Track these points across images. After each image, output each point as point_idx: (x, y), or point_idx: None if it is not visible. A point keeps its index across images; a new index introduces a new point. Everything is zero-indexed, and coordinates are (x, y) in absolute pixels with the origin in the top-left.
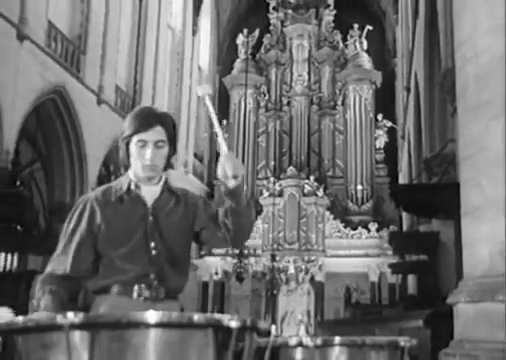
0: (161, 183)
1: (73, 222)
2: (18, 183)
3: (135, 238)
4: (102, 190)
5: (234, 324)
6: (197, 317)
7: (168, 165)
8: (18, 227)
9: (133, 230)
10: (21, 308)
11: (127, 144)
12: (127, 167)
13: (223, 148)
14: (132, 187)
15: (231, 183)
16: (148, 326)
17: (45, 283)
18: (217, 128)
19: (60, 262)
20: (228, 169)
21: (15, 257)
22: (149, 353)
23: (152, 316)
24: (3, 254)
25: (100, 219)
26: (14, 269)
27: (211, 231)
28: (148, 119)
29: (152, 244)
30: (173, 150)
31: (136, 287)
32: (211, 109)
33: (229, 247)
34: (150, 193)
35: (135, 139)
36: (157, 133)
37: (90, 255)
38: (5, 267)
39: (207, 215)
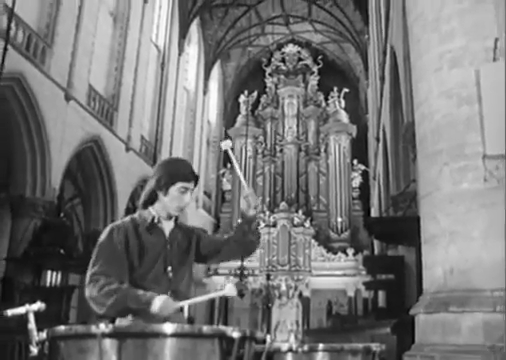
0: (173, 219)
1: (112, 246)
2: (62, 214)
3: (158, 264)
4: (129, 221)
5: (236, 334)
6: (206, 328)
7: None
8: (61, 250)
9: (157, 257)
10: (63, 316)
11: (168, 186)
12: (151, 203)
13: (245, 186)
14: (156, 221)
15: (252, 212)
16: (165, 336)
17: (107, 291)
18: (239, 172)
19: (111, 276)
20: (252, 201)
21: (59, 275)
22: (166, 358)
23: (169, 328)
24: (49, 272)
25: (131, 245)
26: (58, 284)
27: (218, 247)
28: (193, 172)
29: (169, 268)
30: None
31: None
32: (233, 158)
33: (237, 257)
34: (168, 227)
35: (179, 185)
36: (193, 184)
37: (127, 273)
38: (51, 283)
39: (209, 239)
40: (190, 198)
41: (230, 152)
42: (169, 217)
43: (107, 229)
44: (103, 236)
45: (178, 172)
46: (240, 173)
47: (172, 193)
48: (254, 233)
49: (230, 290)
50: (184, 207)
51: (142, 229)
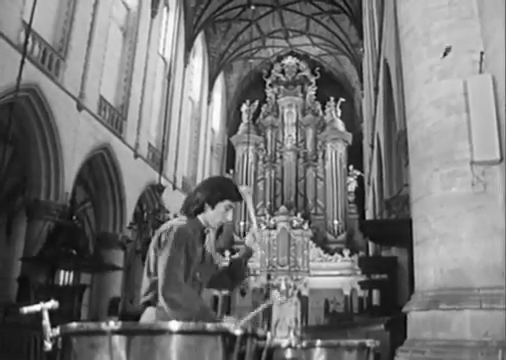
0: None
1: (187, 253)
2: (74, 217)
3: (196, 270)
4: (192, 229)
5: (238, 332)
6: (209, 326)
7: None
8: (73, 251)
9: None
10: (75, 313)
11: (216, 201)
12: (199, 212)
13: (254, 223)
14: (205, 232)
15: (254, 247)
16: (171, 333)
17: (200, 305)
18: (252, 212)
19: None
20: (257, 237)
21: (71, 274)
22: (172, 354)
23: (175, 325)
24: (62, 272)
25: (197, 251)
26: (71, 283)
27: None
28: (240, 194)
29: (198, 274)
30: None
31: None
32: (249, 202)
33: (225, 290)
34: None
35: (227, 203)
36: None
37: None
38: (64, 281)
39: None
40: (231, 217)
41: (248, 198)
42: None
43: (188, 230)
44: (184, 236)
45: (229, 190)
46: (252, 212)
47: (219, 208)
48: (245, 268)
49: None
50: (223, 224)
51: (197, 238)
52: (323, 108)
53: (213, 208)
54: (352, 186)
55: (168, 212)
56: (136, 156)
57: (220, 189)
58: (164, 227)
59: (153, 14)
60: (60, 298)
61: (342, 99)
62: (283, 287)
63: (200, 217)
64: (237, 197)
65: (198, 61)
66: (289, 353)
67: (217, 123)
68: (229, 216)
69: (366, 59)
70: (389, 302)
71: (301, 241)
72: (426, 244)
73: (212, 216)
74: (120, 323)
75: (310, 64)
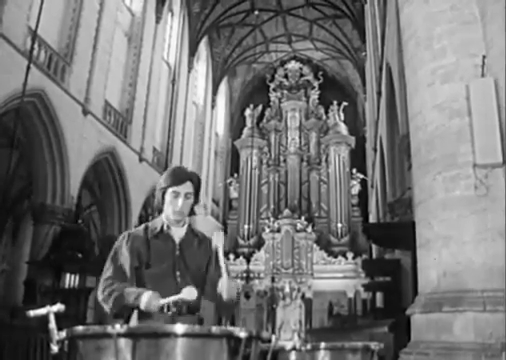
0: (186, 226)
1: (120, 253)
2: (80, 221)
3: (165, 267)
4: (142, 229)
5: (243, 334)
6: (214, 329)
7: (192, 212)
8: (79, 254)
9: (163, 261)
10: (81, 316)
11: (163, 193)
12: (161, 211)
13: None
14: (164, 228)
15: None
16: (177, 336)
17: (109, 291)
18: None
19: (115, 280)
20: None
21: (77, 277)
22: (178, 357)
23: (180, 328)
24: (68, 275)
25: (140, 250)
26: (76, 286)
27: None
28: (181, 176)
29: (177, 273)
30: (197, 200)
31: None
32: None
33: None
34: (178, 233)
35: (170, 190)
36: (187, 187)
37: (134, 277)
38: (70, 285)
39: (211, 270)
40: (181, 203)
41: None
42: (178, 223)
43: (120, 236)
44: (116, 243)
45: (168, 179)
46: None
47: (167, 199)
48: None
49: (189, 294)
50: (180, 211)
51: (151, 235)
52: (326, 112)
53: (163, 201)
54: (355, 189)
55: None
56: (141, 160)
57: (162, 181)
58: None
59: (157, 20)
60: (66, 301)
61: (345, 103)
62: (287, 290)
63: (163, 214)
64: (176, 181)
65: (202, 66)
66: (293, 356)
67: (221, 127)
68: (179, 202)
69: (369, 63)
70: (393, 304)
71: (305, 244)
72: (429, 247)
73: (166, 208)
74: (125, 326)
75: (313, 68)
